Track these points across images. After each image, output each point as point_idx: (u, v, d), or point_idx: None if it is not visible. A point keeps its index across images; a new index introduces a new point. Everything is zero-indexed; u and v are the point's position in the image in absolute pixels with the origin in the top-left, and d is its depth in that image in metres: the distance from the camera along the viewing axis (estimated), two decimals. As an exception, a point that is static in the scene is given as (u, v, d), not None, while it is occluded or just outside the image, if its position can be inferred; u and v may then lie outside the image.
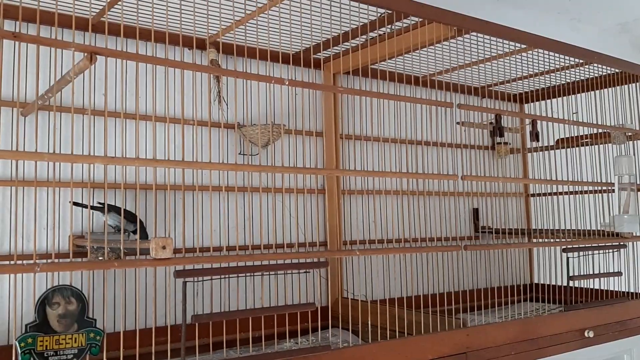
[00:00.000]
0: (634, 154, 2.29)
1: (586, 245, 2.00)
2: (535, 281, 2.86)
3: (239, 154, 2.05)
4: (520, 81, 2.61)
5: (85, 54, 1.15)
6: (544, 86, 2.70)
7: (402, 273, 2.32)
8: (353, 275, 2.25)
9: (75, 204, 1.67)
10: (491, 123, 1.88)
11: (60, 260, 1.61)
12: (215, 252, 1.81)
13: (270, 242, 2.02)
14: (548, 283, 2.73)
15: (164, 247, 1.16)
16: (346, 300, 2.13)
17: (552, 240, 2.30)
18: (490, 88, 2.69)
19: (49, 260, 1.17)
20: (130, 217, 1.65)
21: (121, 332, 1.11)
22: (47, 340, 1.18)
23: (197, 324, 1.19)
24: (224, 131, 2.04)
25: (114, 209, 1.64)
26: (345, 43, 2.03)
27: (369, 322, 1.85)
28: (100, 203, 1.66)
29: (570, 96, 2.45)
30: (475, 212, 2.69)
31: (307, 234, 2.19)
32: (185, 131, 1.90)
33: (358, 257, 2.24)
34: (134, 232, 1.64)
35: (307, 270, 1.32)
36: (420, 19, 1.75)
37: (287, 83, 1.39)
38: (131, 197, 1.79)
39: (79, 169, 1.74)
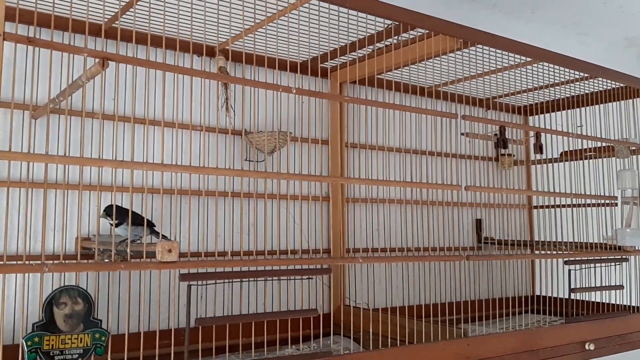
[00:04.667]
0: (638, 168, 2.30)
1: (588, 258, 2.01)
2: (537, 293, 2.87)
3: (245, 160, 2.08)
4: (525, 94, 2.63)
5: (98, 60, 1.18)
6: (548, 99, 2.72)
7: (404, 282, 2.34)
8: (356, 284, 2.26)
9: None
10: (495, 135, 1.89)
11: (68, 261, 1.63)
12: (220, 257, 1.83)
13: (274, 249, 2.03)
14: (550, 295, 2.74)
15: (169, 251, 1.18)
16: (348, 308, 2.14)
17: (554, 252, 2.31)
18: (496, 100, 2.71)
19: (57, 261, 1.18)
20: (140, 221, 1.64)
21: (126, 334, 1.12)
22: (53, 340, 1.20)
23: (200, 327, 1.20)
24: (231, 137, 2.07)
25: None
26: (352, 53, 2.06)
27: (371, 330, 1.86)
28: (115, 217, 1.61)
29: (574, 109, 2.46)
30: (478, 223, 2.71)
31: (311, 241, 2.21)
32: (193, 137, 1.93)
33: (361, 265, 2.26)
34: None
35: (310, 277, 1.34)
36: (427, 31, 1.77)
37: (294, 91, 1.41)
38: (138, 201, 1.82)
39: (88, 172, 1.77)
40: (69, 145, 1.71)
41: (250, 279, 1.22)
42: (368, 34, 1.84)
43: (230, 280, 1.22)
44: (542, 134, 2.31)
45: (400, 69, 2.16)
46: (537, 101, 2.78)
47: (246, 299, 1.83)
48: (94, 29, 1.75)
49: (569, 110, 2.49)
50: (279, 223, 2.05)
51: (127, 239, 1.44)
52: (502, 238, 2.59)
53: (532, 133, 2.28)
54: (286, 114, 2.14)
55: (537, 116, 2.92)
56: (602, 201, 2.27)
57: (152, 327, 1.72)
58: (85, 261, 1.67)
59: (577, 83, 2.36)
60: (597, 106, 2.38)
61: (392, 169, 2.37)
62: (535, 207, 2.90)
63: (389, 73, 2.22)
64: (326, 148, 2.29)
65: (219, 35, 1.87)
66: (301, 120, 2.22)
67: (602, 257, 2.08)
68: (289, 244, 2.10)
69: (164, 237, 1.69)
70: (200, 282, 1.21)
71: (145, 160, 1.80)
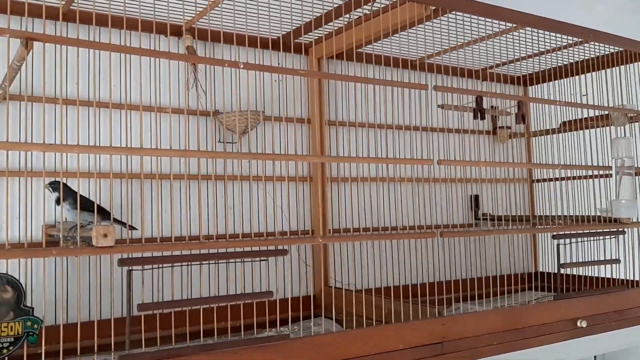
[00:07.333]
0: (635, 136, 2.18)
1: (577, 232, 1.91)
2: (540, 269, 2.78)
3: (219, 141, 2.03)
4: (519, 62, 2.52)
5: (22, 40, 1.14)
6: (544, 68, 2.60)
7: (397, 262, 2.26)
8: (342, 264, 2.21)
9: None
10: (472, 107, 1.80)
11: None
12: (164, 242, 1.76)
13: (254, 231, 1.99)
14: (551, 271, 2.65)
15: (105, 235, 1.14)
16: (330, 289, 2.09)
17: (544, 226, 2.22)
18: (487, 70, 2.60)
19: None
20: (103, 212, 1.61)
21: (61, 323, 1.09)
22: (-20, 329, 1.18)
23: (143, 315, 1.16)
24: (202, 119, 2.02)
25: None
26: (327, 25, 1.98)
27: (354, 312, 1.80)
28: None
29: (569, 78, 2.35)
30: (475, 198, 2.62)
31: (292, 223, 2.15)
32: (161, 119, 1.88)
33: (347, 244, 2.20)
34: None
35: (265, 259, 1.29)
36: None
37: (241, 66, 1.35)
38: (105, 186, 1.79)
39: (51, 158, 1.73)
40: (31, 132, 1.68)
41: (194, 263, 1.17)
42: (336, 5, 1.76)
43: (170, 265, 1.17)
44: (529, 105, 2.22)
45: (381, 42, 2.07)
46: (531, 71, 2.67)
47: (206, 285, 1.75)
48: (52, 12, 1.71)
49: (567, 79, 2.38)
50: (257, 205, 2.01)
51: (76, 224, 1.41)
52: (499, 214, 2.50)
53: (514, 103, 2.18)
54: (261, 92, 2.08)
55: (532, 87, 2.81)
56: (597, 172, 2.16)
57: (95, 317, 1.67)
58: (15, 249, 1.62)
59: (570, 49, 2.24)
60: (593, 73, 2.26)
61: (369, 145, 2.29)
62: (533, 180, 2.80)
63: (368, 46, 2.13)
64: (305, 127, 2.23)
65: (185, 13, 1.81)
66: (279, 99, 2.15)
67: (592, 231, 1.97)
68: (268, 226, 2.05)
69: (117, 222, 1.65)
70: (142, 267, 1.17)
71: (110, 145, 1.78)
